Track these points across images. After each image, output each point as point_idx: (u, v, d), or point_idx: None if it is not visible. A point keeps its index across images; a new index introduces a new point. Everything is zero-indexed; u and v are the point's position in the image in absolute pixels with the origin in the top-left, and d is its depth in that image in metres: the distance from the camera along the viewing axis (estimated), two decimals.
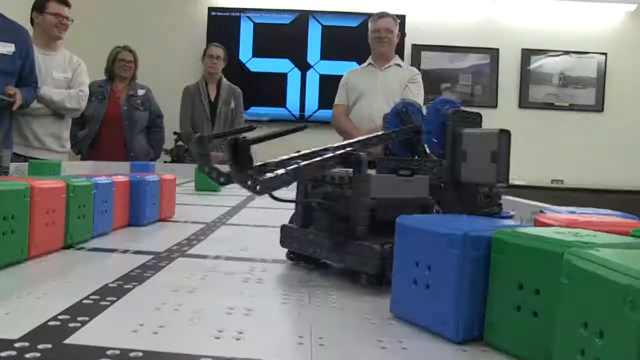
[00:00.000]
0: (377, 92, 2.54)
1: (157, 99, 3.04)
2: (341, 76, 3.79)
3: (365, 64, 2.71)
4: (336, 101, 2.69)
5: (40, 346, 0.29)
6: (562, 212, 0.50)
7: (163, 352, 0.29)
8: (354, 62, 3.81)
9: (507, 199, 0.87)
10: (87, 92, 2.56)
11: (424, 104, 2.53)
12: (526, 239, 0.29)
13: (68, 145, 2.54)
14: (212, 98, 3.04)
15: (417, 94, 2.54)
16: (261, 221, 0.88)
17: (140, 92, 2.93)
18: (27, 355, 0.27)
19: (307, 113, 3.85)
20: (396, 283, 0.35)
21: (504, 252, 0.30)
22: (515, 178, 3.60)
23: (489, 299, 0.31)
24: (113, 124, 2.82)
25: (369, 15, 3.79)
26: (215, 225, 0.81)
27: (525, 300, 0.29)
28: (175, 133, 3.17)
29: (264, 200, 1.30)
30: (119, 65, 2.89)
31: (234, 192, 1.43)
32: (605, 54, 3.94)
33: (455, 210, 0.47)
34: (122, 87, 2.91)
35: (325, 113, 3.82)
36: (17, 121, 2.29)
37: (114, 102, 2.86)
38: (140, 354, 0.28)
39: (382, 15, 2.66)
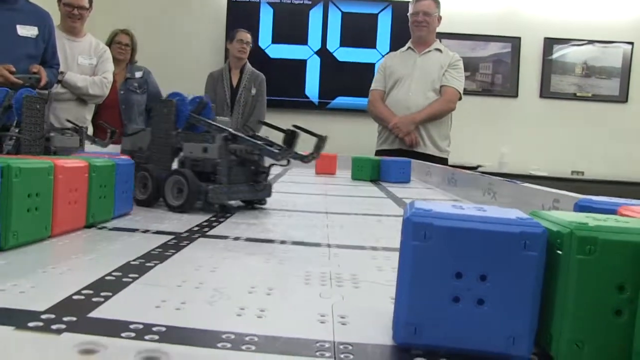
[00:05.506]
0: (415, 78, 2.45)
1: (176, 86, 3.01)
2: (360, 63, 3.80)
3: (404, 48, 2.59)
4: (373, 86, 2.60)
5: (65, 318, 0.29)
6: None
7: (186, 328, 0.29)
8: (374, 49, 3.79)
9: (528, 186, 0.85)
10: (111, 79, 2.57)
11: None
12: (619, 233, 0.26)
13: (90, 130, 2.57)
14: (235, 83, 3.03)
15: (457, 79, 2.45)
16: (283, 205, 0.88)
17: (138, 74, 2.87)
18: (53, 327, 0.28)
19: (325, 100, 3.84)
20: (416, 305, 0.27)
21: (595, 251, 0.26)
22: (535, 168, 3.56)
23: (571, 308, 0.26)
24: (111, 108, 2.74)
25: (389, 2, 3.78)
26: (237, 208, 0.81)
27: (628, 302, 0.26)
28: None
29: (288, 185, 1.30)
30: (115, 48, 2.80)
31: None
32: (632, 43, 3.85)
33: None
34: (119, 70, 2.81)
35: (343, 100, 3.81)
36: None
37: (112, 86, 2.71)
38: (163, 328, 0.29)
39: None
